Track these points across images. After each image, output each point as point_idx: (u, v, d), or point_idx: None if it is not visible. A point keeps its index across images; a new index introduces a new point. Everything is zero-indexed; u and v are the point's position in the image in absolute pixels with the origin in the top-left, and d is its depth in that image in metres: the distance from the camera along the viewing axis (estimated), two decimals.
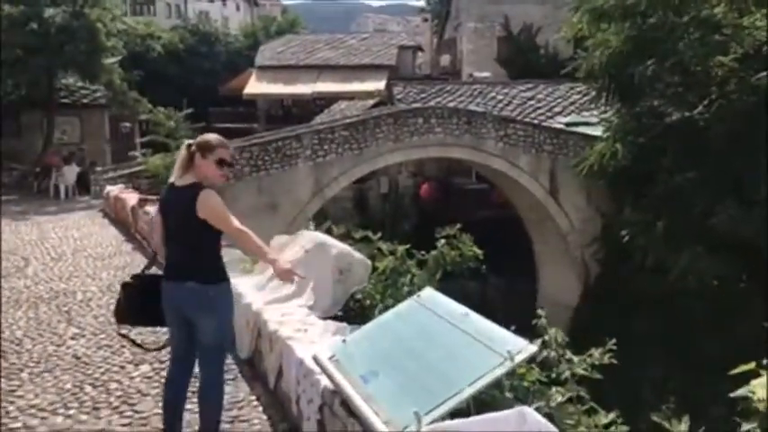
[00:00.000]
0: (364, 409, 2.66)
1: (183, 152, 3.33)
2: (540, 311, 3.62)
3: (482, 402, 2.66)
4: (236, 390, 4.43)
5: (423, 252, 5.59)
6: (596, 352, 3.60)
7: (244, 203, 13.59)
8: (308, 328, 4.01)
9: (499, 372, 2.51)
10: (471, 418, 2.26)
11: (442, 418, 2.47)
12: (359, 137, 14.79)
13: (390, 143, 15.19)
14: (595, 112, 18.76)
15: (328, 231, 5.91)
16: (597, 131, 16.75)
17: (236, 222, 3.26)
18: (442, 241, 5.43)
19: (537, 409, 2.68)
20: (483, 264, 5.50)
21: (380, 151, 15.18)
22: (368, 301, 5.14)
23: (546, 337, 3.29)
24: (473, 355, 2.64)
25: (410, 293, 4.77)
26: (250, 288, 5.15)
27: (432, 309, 3.13)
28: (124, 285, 3.53)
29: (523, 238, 19.04)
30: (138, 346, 3.90)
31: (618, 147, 15.38)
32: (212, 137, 3.36)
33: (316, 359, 3.20)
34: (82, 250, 9.98)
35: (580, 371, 3.19)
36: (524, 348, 2.58)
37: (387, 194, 23.59)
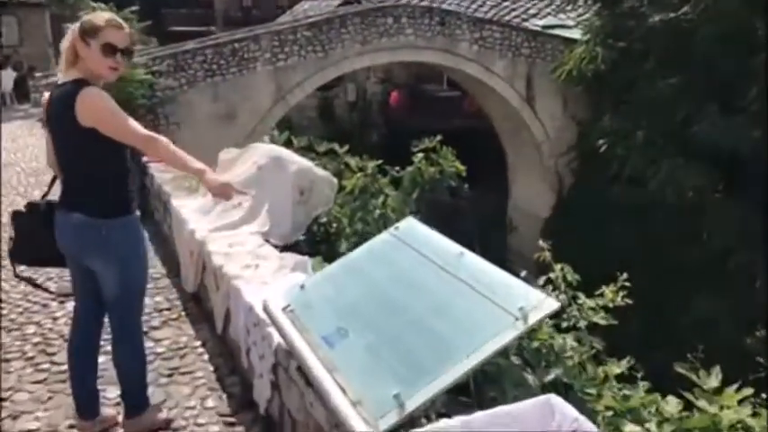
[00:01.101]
0: (327, 383, 2.00)
1: (66, 39, 2.47)
2: (542, 244, 2.96)
3: (482, 373, 2.02)
4: (179, 333, 3.77)
5: (397, 168, 4.86)
6: (609, 291, 2.99)
7: (198, 112, 12.55)
8: (260, 263, 3.30)
9: (509, 337, 1.85)
10: (479, 415, 1.61)
11: (432, 402, 1.83)
12: (323, 38, 13.63)
13: (358, 45, 14.07)
14: (572, 15, 17.81)
15: (287, 144, 5.11)
16: (575, 34, 15.90)
17: (138, 128, 2.46)
18: (420, 156, 4.70)
19: (555, 381, 2.06)
20: (465, 182, 4.82)
21: (347, 54, 14.07)
22: (334, 226, 4.44)
23: (552, 275, 2.63)
24: (472, 312, 1.97)
25: (383, 219, 4.08)
26: (194, 212, 4.39)
27: (414, 246, 2.43)
28: (14, 215, 2.74)
29: (496, 149, 18.40)
30: (41, 289, 3.16)
31: (598, 50, 14.59)
32: (100, 15, 2.50)
33: (266, 309, 2.51)
34: (14, 164, 8.99)
35: (597, 319, 2.57)
36: (541, 303, 1.91)
37: (354, 103, 22.57)
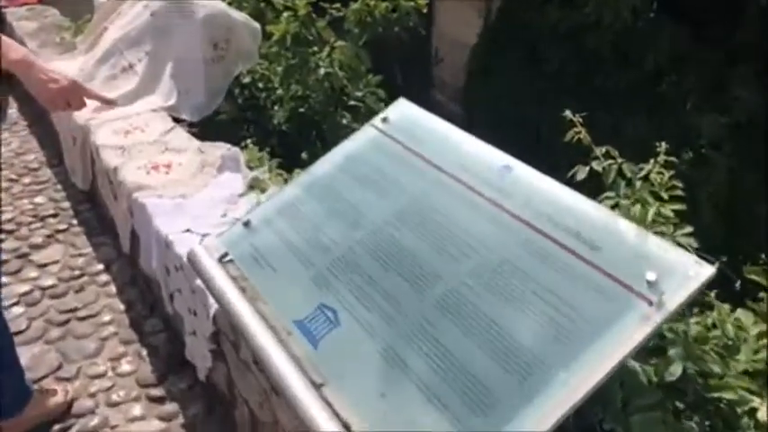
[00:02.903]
0: (312, 411, 1.19)
1: None
2: (568, 114, 2.09)
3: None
4: (72, 252, 2.81)
5: (335, 6, 3.74)
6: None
7: None
8: (171, 161, 2.31)
9: (637, 338, 1.07)
10: None
11: None
12: None
13: None
14: None
15: None
16: None
17: None
18: None
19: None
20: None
21: None
22: (263, 91, 3.41)
23: (599, 164, 1.79)
24: (557, 284, 1.17)
25: (330, 79, 3.09)
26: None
27: (420, 152, 1.54)
28: None
29: None
30: None
31: None
32: None
33: (193, 262, 1.61)
34: None
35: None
36: (682, 268, 1.12)
37: None
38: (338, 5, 3.70)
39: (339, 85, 3.06)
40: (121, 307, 2.46)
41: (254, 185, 2.13)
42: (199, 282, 1.71)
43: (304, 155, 3.08)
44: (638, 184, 1.64)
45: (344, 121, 3.10)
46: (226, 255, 1.57)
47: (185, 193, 2.12)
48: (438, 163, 1.50)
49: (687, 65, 13.22)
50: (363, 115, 3.16)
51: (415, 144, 1.57)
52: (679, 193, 1.64)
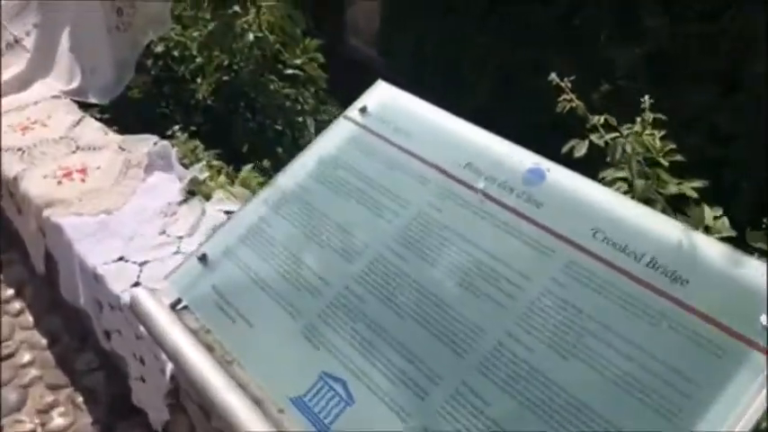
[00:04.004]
0: None
1: None
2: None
3: None
4: None
5: None
6: None
7: None
8: (86, 164, 1.90)
9: (754, 402, 0.83)
10: None
11: None
12: None
13: None
14: None
15: None
16: None
17: None
18: None
19: None
20: None
21: None
22: (181, 63, 2.95)
23: (598, 139, 1.54)
24: (630, 332, 0.91)
25: (261, 46, 2.69)
26: None
27: (415, 150, 1.23)
28: None
29: None
30: None
31: None
32: None
33: (136, 309, 1.26)
34: None
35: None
36: None
37: None
38: None
39: (272, 51, 2.66)
40: (43, 341, 2.05)
41: (193, 190, 1.76)
42: (143, 328, 1.36)
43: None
44: (628, 149, 1.43)
45: (284, 91, 2.72)
46: (179, 301, 1.24)
47: (109, 207, 1.73)
48: (442, 165, 1.20)
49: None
50: (302, 83, 2.79)
51: (407, 140, 1.26)
52: (679, 158, 1.43)
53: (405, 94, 1.34)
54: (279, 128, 2.95)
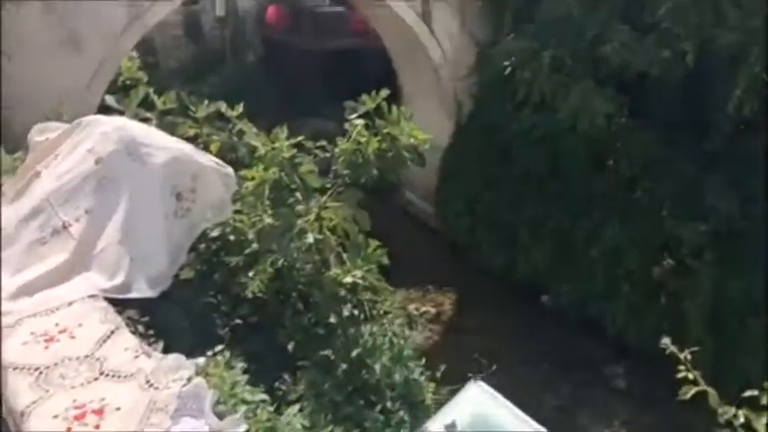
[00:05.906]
0: None
1: None
2: None
3: None
4: None
5: (320, 143, 3.22)
6: None
7: (33, 40, 9.83)
8: (106, 402, 1.63)
9: None
10: None
11: None
12: None
13: None
14: None
15: (148, 106, 3.30)
16: None
17: None
18: (358, 124, 3.08)
19: None
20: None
21: None
22: (235, 249, 2.78)
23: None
24: None
25: (318, 249, 2.50)
26: None
27: None
28: None
29: (387, 72, 16.74)
30: None
31: None
32: None
33: None
34: None
35: None
36: None
37: (224, 18, 19.89)
38: (323, 143, 3.18)
39: (324, 255, 2.45)
40: None
41: None
42: None
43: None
44: None
45: (341, 295, 2.49)
46: None
47: None
48: None
49: (659, 171, 13.15)
50: (361, 288, 2.56)
51: None
52: None
53: (500, 401, 1.05)
54: (330, 328, 2.69)
